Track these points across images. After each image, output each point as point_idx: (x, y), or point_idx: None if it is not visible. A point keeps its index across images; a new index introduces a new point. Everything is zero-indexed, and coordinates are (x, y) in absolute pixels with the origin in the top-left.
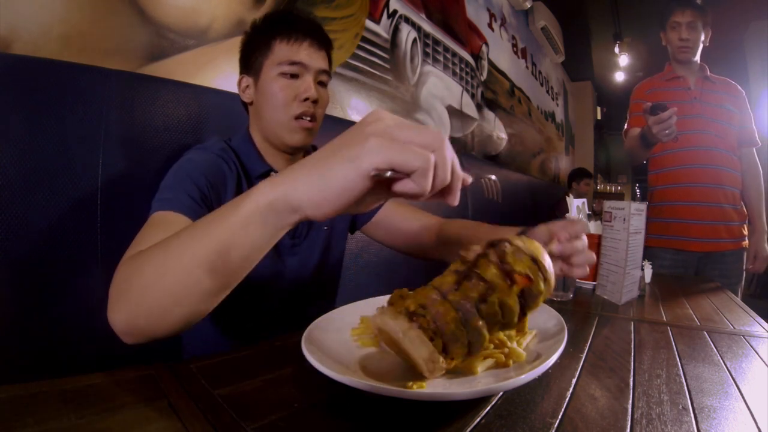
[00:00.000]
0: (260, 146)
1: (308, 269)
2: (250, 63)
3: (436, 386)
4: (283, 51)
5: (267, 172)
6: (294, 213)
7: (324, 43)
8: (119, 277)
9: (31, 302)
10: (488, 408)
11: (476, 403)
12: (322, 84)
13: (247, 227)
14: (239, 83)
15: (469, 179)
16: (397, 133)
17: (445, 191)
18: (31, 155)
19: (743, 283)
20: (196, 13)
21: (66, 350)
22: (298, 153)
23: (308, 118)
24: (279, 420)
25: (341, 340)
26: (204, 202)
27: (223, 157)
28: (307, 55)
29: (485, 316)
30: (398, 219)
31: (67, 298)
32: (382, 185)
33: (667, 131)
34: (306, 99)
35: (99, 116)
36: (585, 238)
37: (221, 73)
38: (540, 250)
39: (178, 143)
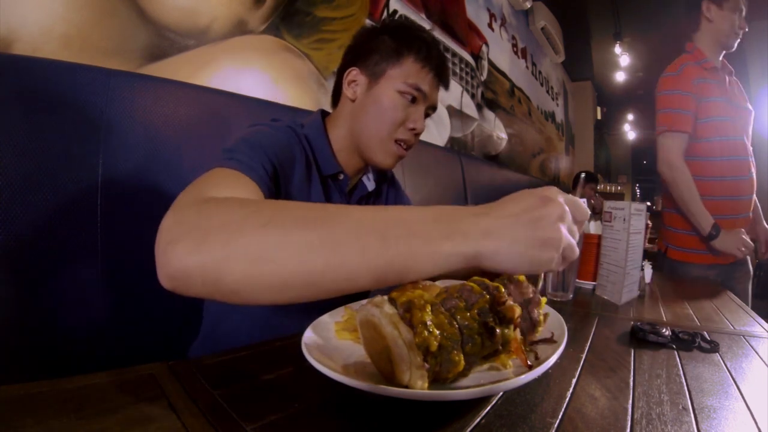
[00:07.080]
0: (336, 144)
1: None
2: (369, 61)
3: (435, 387)
4: (413, 71)
5: (337, 174)
6: (472, 260)
7: (445, 84)
8: (198, 215)
9: (31, 302)
10: (488, 408)
11: (476, 403)
12: (426, 116)
13: (430, 254)
14: (347, 74)
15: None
16: (573, 227)
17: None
18: (31, 155)
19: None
20: (196, 13)
21: (66, 350)
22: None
23: (405, 146)
24: (279, 420)
25: (341, 340)
26: (274, 179)
27: (293, 140)
28: (430, 87)
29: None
30: None
31: (68, 299)
32: None
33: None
34: (413, 128)
35: (99, 116)
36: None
37: (221, 73)
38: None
39: (177, 143)
